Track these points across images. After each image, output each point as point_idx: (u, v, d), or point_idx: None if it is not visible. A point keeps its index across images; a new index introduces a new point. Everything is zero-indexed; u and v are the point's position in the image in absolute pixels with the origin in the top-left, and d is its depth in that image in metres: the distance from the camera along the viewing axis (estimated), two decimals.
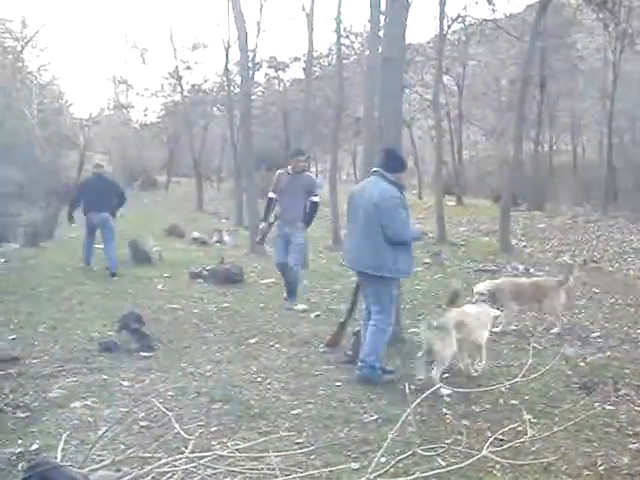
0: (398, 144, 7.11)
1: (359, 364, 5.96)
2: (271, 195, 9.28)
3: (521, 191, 24.48)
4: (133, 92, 35.93)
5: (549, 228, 18.30)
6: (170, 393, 5.48)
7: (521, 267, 12.03)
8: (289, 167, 9.20)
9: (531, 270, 11.88)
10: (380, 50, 7.50)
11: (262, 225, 9.51)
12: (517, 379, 4.55)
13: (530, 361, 4.59)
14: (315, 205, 9.15)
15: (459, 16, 20.87)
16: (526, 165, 26.28)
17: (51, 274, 11.27)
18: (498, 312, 7.01)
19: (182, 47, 29.42)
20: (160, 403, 5.15)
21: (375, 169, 6.03)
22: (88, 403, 5.24)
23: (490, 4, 19.13)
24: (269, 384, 5.79)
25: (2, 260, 12.39)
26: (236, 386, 5.69)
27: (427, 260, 13.08)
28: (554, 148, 33.02)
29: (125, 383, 5.76)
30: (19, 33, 32.28)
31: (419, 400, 4.38)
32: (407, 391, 4.24)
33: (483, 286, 8.10)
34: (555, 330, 7.93)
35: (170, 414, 4.57)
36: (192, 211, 24.29)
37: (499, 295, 8.02)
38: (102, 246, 11.88)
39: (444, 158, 26.36)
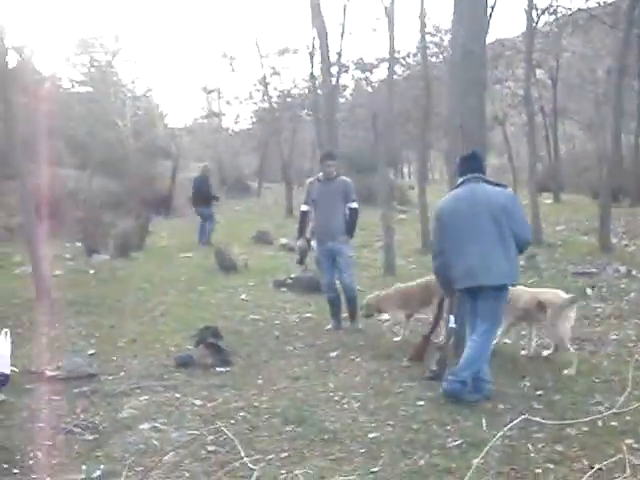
0: (482, 143, 6.68)
1: (449, 377, 5.50)
2: (304, 208, 8.38)
3: (622, 186, 23.30)
4: (224, 100, 36.18)
5: None
6: (242, 414, 5.23)
7: (622, 268, 11.25)
8: (320, 174, 8.31)
9: (633, 272, 11.12)
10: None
11: (299, 243, 8.59)
12: (613, 410, 4.04)
13: (629, 388, 4.04)
14: (355, 212, 8.17)
15: (549, 7, 19.97)
16: (626, 159, 25.01)
17: (138, 285, 11.32)
18: None
19: (269, 53, 29.32)
20: (231, 425, 4.97)
21: (473, 174, 5.61)
22: (157, 425, 5.05)
23: None
24: (346, 403, 5.46)
25: (91, 272, 12.52)
26: (312, 406, 5.39)
27: (522, 263, 12.43)
28: None
29: (197, 402, 5.55)
30: (112, 47, 33.19)
31: (509, 427, 3.98)
32: (484, 426, 3.81)
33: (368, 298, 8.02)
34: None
35: (237, 441, 4.33)
36: (282, 217, 24.16)
37: (383, 305, 7.82)
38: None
39: (540, 153, 25.47)
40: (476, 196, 5.49)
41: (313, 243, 8.40)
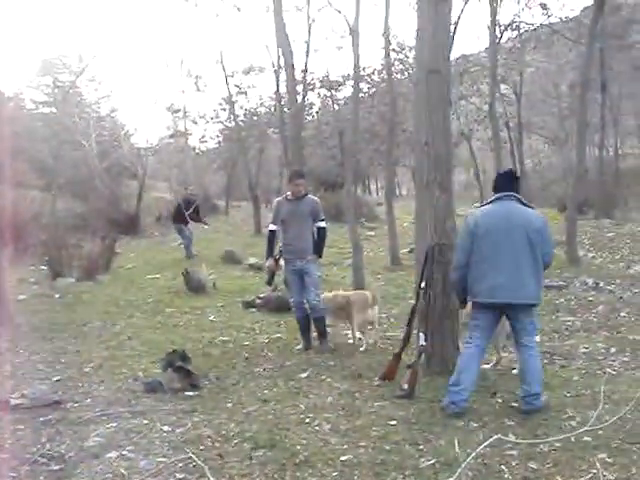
0: (449, 160, 6.69)
1: (530, 396, 5.49)
2: (272, 227, 8.26)
3: (587, 199, 23.60)
4: (190, 120, 35.96)
5: (618, 237, 17.41)
6: (211, 439, 5.12)
7: (590, 281, 11.35)
8: (288, 193, 8.20)
9: (601, 284, 11.22)
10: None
11: (268, 263, 8.40)
12: (586, 428, 4.01)
13: (601, 403, 4.02)
14: (323, 231, 8.12)
15: (512, 22, 20.21)
16: (591, 171, 25.34)
17: (104, 309, 11.16)
18: None
19: (234, 72, 29.20)
20: (200, 451, 4.87)
21: (508, 193, 5.69)
22: (124, 453, 4.92)
23: (544, 9, 18.46)
24: (318, 425, 5.37)
25: (56, 295, 12.32)
26: (282, 429, 5.29)
27: None
28: (620, 152, 31.84)
29: (165, 428, 5.42)
30: (76, 67, 32.99)
31: (481, 447, 3.94)
32: (457, 449, 3.77)
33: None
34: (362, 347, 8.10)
35: (206, 468, 4.25)
36: (250, 235, 24.04)
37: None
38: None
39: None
40: (513, 215, 5.59)
41: (282, 262, 8.34)
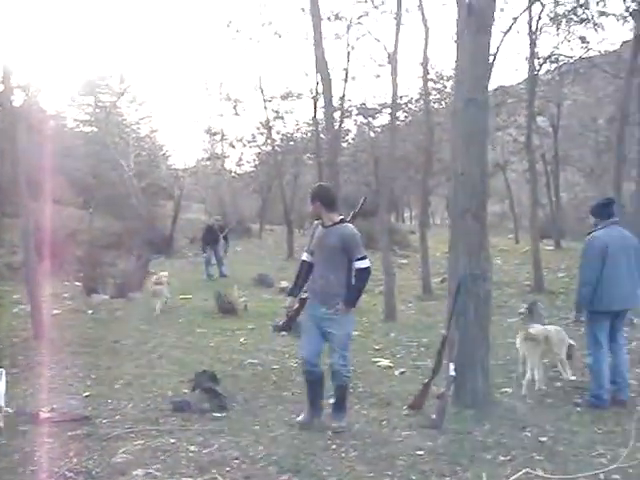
0: (484, 191, 6.67)
1: (617, 386, 6.73)
2: (304, 257, 6.22)
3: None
4: (227, 143, 36.21)
5: None
6: (237, 461, 5.12)
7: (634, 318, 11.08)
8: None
9: (635, 320, 10.99)
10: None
11: (288, 301, 6.27)
12: (616, 465, 3.94)
13: (632, 440, 3.96)
14: (362, 274, 5.84)
15: (551, 55, 20.09)
16: (627, 206, 25.02)
17: (136, 326, 11.26)
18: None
19: (272, 97, 29.39)
20: (227, 472, 4.88)
21: (615, 219, 6.82)
22: (151, 471, 4.92)
23: (583, 42, 18.35)
24: (344, 452, 5.35)
25: (90, 312, 12.46)
26: (308, 454, 5.27)
27: (522, 310, 12.37)
28: None
29: (192, 448, 5.43)
30: (118, 88, 33.53)
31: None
32: (484, 478, 3.73)
33: None
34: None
35: None
36: (283, 259, 24.15)
37: None
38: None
39: (541, 201, 25.49)
40: (625, 236, 6.77)
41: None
